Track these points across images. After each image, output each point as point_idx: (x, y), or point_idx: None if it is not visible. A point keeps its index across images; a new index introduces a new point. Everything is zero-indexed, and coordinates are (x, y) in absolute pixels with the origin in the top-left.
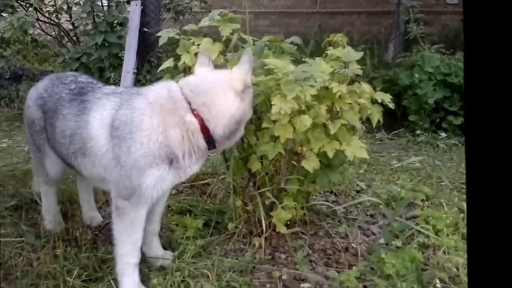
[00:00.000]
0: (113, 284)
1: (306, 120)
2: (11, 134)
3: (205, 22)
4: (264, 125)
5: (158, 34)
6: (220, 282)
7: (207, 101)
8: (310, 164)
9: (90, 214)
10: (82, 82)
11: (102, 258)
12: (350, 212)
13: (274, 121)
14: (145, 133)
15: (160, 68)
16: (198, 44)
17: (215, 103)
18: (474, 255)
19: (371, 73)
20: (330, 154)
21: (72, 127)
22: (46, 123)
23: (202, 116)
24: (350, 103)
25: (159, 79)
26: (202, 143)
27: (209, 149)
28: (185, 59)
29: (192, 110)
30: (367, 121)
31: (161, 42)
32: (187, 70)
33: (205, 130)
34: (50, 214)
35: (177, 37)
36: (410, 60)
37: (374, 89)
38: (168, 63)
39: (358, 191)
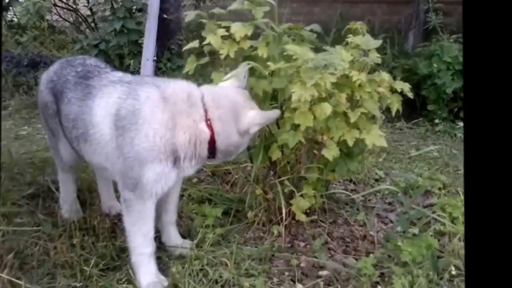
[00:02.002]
0: (131, 273)
1: (326, 108)
2: (30, 121)
3: (234, 5)
4: (286, 114)
5: (185, 13)
6: (239, 270)
7: (224, 117)
8: (330, 152)
9: (109, 203)
10: (89, 65)
11: (120, 247)
12: (369, 200)
13: (295, 109)
14: (153, 126)
15: (185, 48)
16: (225, 27)
17: (229, 123)
18: (472, 243)
19: (391, 62)
20: (350, 143)
21: (75, 111)
22: (58, 107)
23: (214, 128)
24: (370, 92)
25: (180, 67)
26: (205, 152)
27: (208, 157)
28: (211, 39)
29: (206, 120)
30: (387, 110)
31: (186, 19)
32: (212, 54)
33: (212, 142)
34: (67, 203)
35: (204, 20)
36: (429, 50)
37: (394, 78)
38: (194, 44)
39: (376, 180)
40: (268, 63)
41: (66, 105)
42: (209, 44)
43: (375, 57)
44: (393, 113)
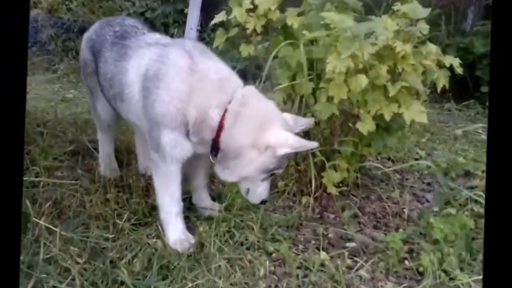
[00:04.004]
0: (160, 230)
1: (362, 80)
2: (77, 85)
3: None
4: (321, 84)
5: None
6: (265, 235)
7: (243, 118)
8: (365, 126)
9: (145, 163)
10: (127, 25)
11: (152, 205)
12: (407, 179)
13: (330, 80)
14: (170, 93)
15: (213, 22)
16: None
17: (246, 127)
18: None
19: (445, 40)
20: (387, 117)
21: (112, 71)
22: (96, 66)
23: (225, 122)
24: (413, 64)
25: None
26: (208, 139)
27: (211, 152)
28: (236, 12)
29: (224, 109)
30: (435, 91)
31: None
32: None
33: (217, 135)
34: (105, 161)
35: None
36: (488, 29)
37: None
38: (221, 16)
39: (416, 159)
40: (304, 31)
41: (103, 64)
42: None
43: (423, 27)
44: (439, 89)
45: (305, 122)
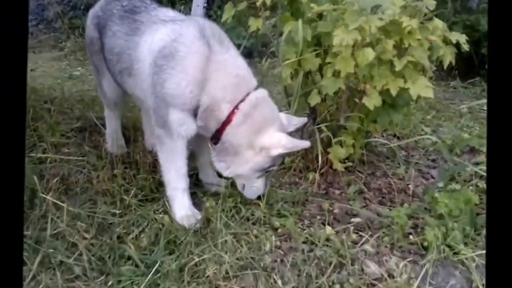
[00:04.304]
0: (167, 205)
1: (369, 54)
2: (84, 63)
3: None
4: (328, 59)
5: None
6: (271, 211)
7: (250, 121)
8: (371, 101)
9: (152, 140)
10: (135, 0)
11: (159, 181)
12: (412, 156)
13: (336, 55)
14: (186, 77)
15: None
16: None
17: (248, 128)
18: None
19: (451, 17)
20: (393, 92)
21: (121, 45)
22: (102, 42)
23: (234, 119)
24: (420, 40)
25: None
26: (212, 128)
27: (211, 139)
28: None
29: (235, 106)
30: (441, 68)
31: None
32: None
33: (222, 128)
34: (112, 138)
35: None
36: None
37: None
38: None
39: (422, 136)
40: (312, 5)
41: (110, 38)
42: None
43: (430, 2)
44: (445, 65)
45: (298, 121)
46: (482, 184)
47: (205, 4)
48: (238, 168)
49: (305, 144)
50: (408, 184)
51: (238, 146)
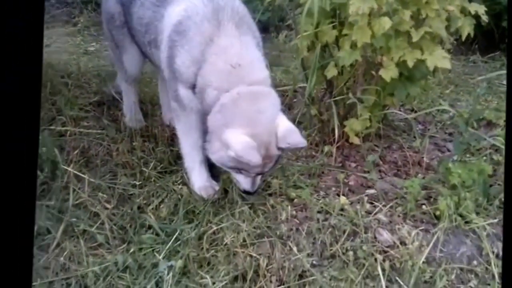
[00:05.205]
0: (185, 177)
1: (385, 23)
2: (98, 38)
3: None
4: (344, 31)
5: None
6: (287, 182)
7: (224, 112)
8: (388, 73)
9: (170, 115)
10: None
11: (177, 154)
12: (428, 129)
13: (353, 25)
14: (190, 55)
15: None
16: None
17: (220, 119)
18: None
19: None
20: (410, 64)
21: (149, 16)
22: (126, 17)
23: (212, 109)
24: (437, 10)
25: None
26: (206, 110)
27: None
28: None
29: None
30: (461, 42)
31: None
32: None
33: (207, 113)
34: (130, 112)
35: None
36: None
37: None
38: None
39: (439, 110)
40: None
41: (139, 8)
42: None
43: None
44: (463, 37)
45: (294, 143)
46: (497, 157)
47: None
48: (210, 155)
49: (255, 160)
50: (423, 157)
51: (212, 133)
